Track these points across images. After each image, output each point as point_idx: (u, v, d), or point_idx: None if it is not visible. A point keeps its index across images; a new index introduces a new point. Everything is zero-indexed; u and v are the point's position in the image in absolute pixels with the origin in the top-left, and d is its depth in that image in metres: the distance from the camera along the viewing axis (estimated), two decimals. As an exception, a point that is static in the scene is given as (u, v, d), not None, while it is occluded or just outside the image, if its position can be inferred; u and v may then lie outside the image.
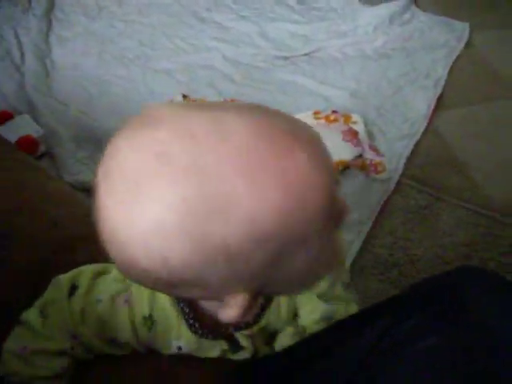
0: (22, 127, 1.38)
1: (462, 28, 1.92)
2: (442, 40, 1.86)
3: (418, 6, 2.01)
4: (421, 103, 1.60)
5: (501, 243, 1.28)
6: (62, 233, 0.68)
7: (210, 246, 0.40)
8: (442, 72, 1.72)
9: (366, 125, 1.47)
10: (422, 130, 1.52)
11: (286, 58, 1.74)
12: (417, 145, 1.49)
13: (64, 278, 0.60)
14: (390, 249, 1.25)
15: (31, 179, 0.66)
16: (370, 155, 1.39)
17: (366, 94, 1.63)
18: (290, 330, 0.63)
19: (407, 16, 1.93)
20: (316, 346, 0.60)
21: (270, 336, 0.63)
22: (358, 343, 0.53)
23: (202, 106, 0.44)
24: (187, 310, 0.56)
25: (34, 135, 1.36)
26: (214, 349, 0.59)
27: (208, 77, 1.66)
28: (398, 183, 1.38)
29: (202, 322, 0.57)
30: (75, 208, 0.72)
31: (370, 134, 1.48)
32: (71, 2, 1.91)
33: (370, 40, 1.82)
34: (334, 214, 0.46)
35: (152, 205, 0.39)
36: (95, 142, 1.37)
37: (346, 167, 1.36)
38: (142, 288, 0.54)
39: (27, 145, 1.33)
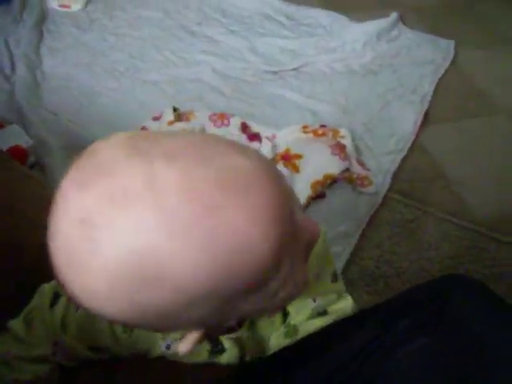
0: (11, 137, 1.37)
1: (448, 46, 1.95)
2: (429, 57, 1.89)
3: (405, 23, 2.05)
4: (407, 119, 1.63)
5: (485, 256, 1.30)
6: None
7: (138, 309, 0.40)
8: (428, 88, 1.75)
9: (353, 139, 1.49)
10: (408, 145, 1.55)
11: (274, 73, 1.76)
12: (403, 160, 1.51)
13: (47, 287, 0.61)
14: (377, 261, 1.26)
15: (27, 188, 0.67)
16: (357, 169, 1.41)
17: (354, 108, 1.65)
18: (280, 330, 0.64)
19: (394, 33, 1.97)
20: (305, 349, 0.61)
21: (263, 339, 0.64)
22: (347, 347, 0.54)
23: (147, 149, 0.41)
24: None
25: (24, 145, 1.36)
26: (202, 348, 0.60)
27: (197, 90, 1.67)
28: (385, 197, 1.40)
29: None
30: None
31: (358, 149, 1.50)
32: (62, 14, 1.92)
33: (357, 56, 1.85)
34: (293, 247, 0.44)
35: (86, 270, 0.39)
36: (85, 153, 1.37)
37: (333, 181, 1.38)
38: None
39: (17, 155, 1.32)
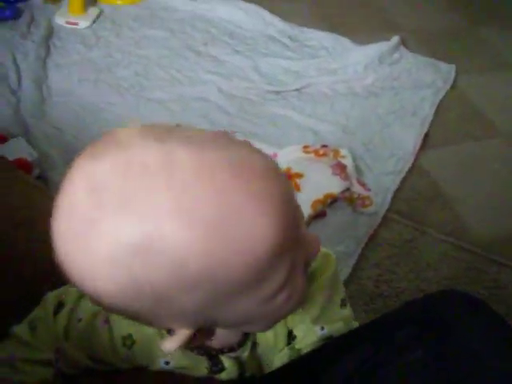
0: (16, 150, 1.39)
1: (449, 70, 1.98)
2: (429, 80, 1.91)
3: (406, 47, 2.07)
4: (408, 140, 1.65)
5: (483, 278, 1.31)
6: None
7: (135, 286, 0.40)
8: (428, 111, 1.77)
9: (354, 160, 1.51)
10: (408, 166, 1.56)
11: (277, 93, 1.78)
12: (403, 180, 1.52)
13: (51, 296, 0.61)
14: (376, 281, 1.27)
15: (35, 198, 0.68)
16: (357, 189, 1.42)
17: (355, 129, 1.67)
18: (284, 352, 0.63)
19: (396, 56, 1.99)
20: (300, 370, 0.61)
21: (265, 359, 0.64)
22: (346, 363, 0.55)
23: (162, 133, 0.42)
24: None
25: (28, 159, 1.37)
26: (201, 365, 0.60)
27: (201, 108, 1.69)
28: (384, 217, 1.41)
29: None
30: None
31: (358, 169, 1.51)
32: (69, 30, 1.95)
33: (359, 78, 1.87)
34: (294, 254, 0.44)
35: (88, 239, 0.39)
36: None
37: (334, 200, 1.39)
38: None
39: (21, 167, 1.34)
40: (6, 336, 0.60)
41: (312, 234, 0.49)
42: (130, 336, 0.58)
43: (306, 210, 1.32)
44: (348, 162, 1.47)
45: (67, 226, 0.41)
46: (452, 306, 0.54)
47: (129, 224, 0.38)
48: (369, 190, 1.44)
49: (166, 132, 0.42)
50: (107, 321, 0.58)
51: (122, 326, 0.58)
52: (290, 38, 2.05)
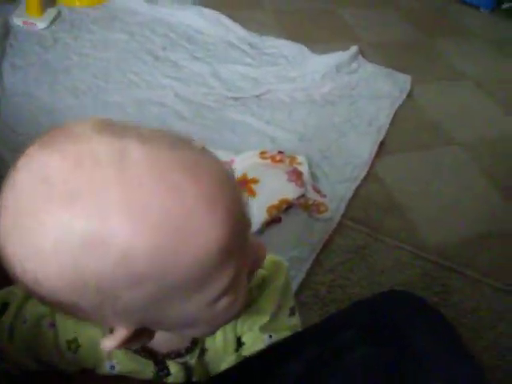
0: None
1: (405, 80, 2.03)
2: (386, 90, 1.95)
3: (364, 57, 2.11)
4: (363, 148, 1.67)
5: (435, 283, 1.33)
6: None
7: (81, 279, 0.39)
8: (384, 120, 1.81)
9: (310, 166, 1.52)
10: (363, 174, 1.59)
11: (236, 99, 1.79)
12: (358, 188, 1.55)
13: None
14: (329, 286, 1.28)
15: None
16: (313, 195, 1.44)
17: (312, 137, 1.69)
18: (231, 358, 0.63)
19: (354, 66, 2.03)
20: (250, 370, 0.61)
21: (212, 365, 0.63)
22: (293, 364, 0.55)
23: (118, 129, 0.42)
24: None
25: (-20, 160, 1.35)
26: (148, 369, 0.59)
27: (159, 112, 1.69)
28: (339, 224, 1.43)
29: None
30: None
31: (314, 176, 1.53)
32: (26, 31, 1.92)
33: (317, 86, 1.89)
34: (240, 260, 0.44)
35: (34, 230, 0.39)
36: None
37: (289, 206, 1.40)
38: None
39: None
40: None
41: (259, 243, 0.49)
42: (75, 340, 0.57)
43: (262, 215, 1.33)
44: (304, 168, 1.48)
45: (13, 218, 0.40)
46: (397, 307, 0.55)
47: (76, 216, 0.38)
48: (324, 196, 1.45)
49: (121, 128, 0.42)
50: (53, 324, 0.57)
51: (68, 330, 0.57)
52: (250, 45, 2.06)
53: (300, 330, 0.67)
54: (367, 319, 0.55)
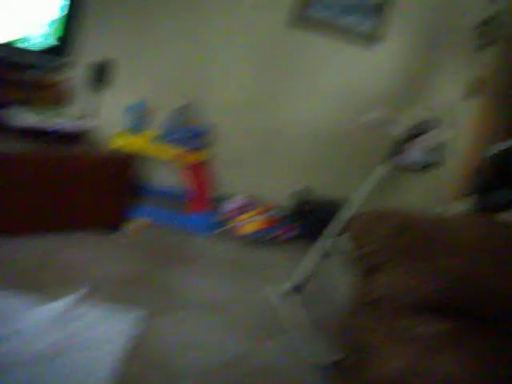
0: None
1: (136, 315, 2.00)
2: (116, 329, 1.88)
3: (92, 299, 2.06)
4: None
5: None
6: None
7: None
8: (111, 363, 1.70)
9: None
10: None
11: None
12: None
13: None
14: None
15: None
16: None
17: None
18: None
19: (81, 311, 1.94)
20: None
21: None
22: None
23: None
24: None
25: None
26: None
27: None
28: None
29: None
30: None
31: None
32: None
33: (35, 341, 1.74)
34: None
35: None
36: None
37: None
38: None
39: None
40: None
41: None
42: None
43: None
44: None
45: None
46: None
47: None
48: None
49: None
50: None
51: None
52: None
53: None
54: None
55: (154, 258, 2.61)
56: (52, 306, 1.90)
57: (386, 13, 3.66)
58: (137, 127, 3.18)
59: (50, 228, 2.53)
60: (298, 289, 2.51)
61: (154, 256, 2.65)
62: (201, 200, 3.22)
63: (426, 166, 2.37)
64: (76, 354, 1.73)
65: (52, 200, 2.51)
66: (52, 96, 2.91)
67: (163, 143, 3.14)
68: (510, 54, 4.22)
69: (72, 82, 3.08)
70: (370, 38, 3.68)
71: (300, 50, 3.65)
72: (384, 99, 3.74)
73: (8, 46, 2.71)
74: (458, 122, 3.88)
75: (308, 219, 3.42)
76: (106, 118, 3.22)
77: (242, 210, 3.34)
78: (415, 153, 2.33)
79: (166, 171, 3.58)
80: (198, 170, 3.22)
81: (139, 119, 3.19)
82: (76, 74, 3.13)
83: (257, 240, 3.19)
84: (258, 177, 3.79)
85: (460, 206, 2.03)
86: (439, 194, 3.63)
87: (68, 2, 2.85)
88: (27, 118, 2.53)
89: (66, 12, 2.86)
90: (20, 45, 2.75)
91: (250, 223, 3.23)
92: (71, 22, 2.91)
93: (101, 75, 3.14)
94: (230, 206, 3.38)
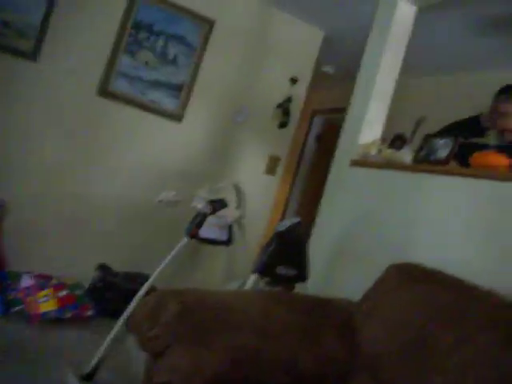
0: None
1: None
2: None
3: None
4: None
5: None
6: None
7: None
8: None
9: None
10: None
11: None
12: None
13: None
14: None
15: None
16: None
17: None
18: None
19: None
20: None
21: None
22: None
23: None
24: None
25: None
26: None
27: None
28: None
29: None
30: None
31: None
32: None
33: None
34: None
35: None
36: None
37: None
38: None
39: None
40: None
41: None
42: None
43: None
44: None
45: None
46: None
47: None
48: None
49: None
50: None
51: None
52: None
53: None
54: None
55: None
56: None
57: (187, 92, 3.83)
58: None
59: None
60: (89, 376, 2.37)
61: None
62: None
63: (219, 243, 2.47)
64: None
65: None
66: None
67: None
68: (296, 136, 4.63)
69: None
70: (173, 115, 3.81)
71: (110, 120, 3.67)
72: (187, 174, 3.84)
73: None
74: (260, 198, 4.13)
75: (107, 297, 3.30)
76: None
77: (37, 287, 3.13)
78: (210, 228, 2.42)
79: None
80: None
81: None
82: None
83: (53, 319, 3.00)
84: (59, 250, 3.61)
85: (251, 281, 2.12)
86: (238, 268, 3.78)
87: None
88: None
89: None
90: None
91: (45, 302, 3.03)
92: None
93: None
94: (23, 283, 3.15)
